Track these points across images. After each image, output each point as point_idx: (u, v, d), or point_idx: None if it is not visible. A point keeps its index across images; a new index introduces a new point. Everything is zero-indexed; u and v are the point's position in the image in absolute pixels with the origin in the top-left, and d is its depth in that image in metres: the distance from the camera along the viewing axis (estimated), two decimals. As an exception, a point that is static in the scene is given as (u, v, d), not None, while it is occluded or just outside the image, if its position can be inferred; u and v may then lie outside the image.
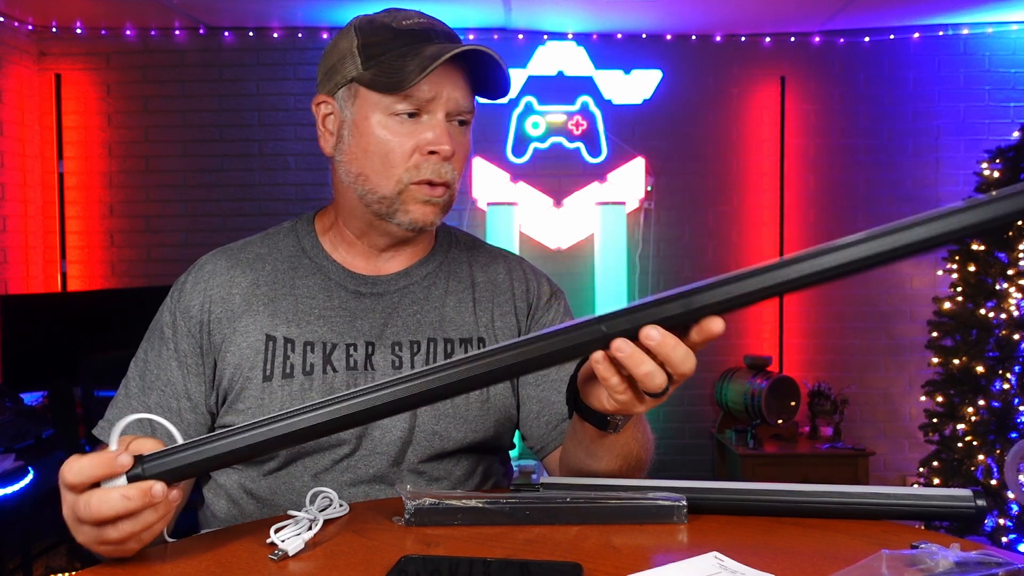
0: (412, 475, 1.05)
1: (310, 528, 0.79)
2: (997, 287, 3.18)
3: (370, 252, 1.12)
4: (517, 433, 1.19)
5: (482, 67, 1.04)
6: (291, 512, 0.81)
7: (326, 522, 0.82)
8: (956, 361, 3.25)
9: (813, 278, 0.68)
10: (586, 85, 4.04)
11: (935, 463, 3.31)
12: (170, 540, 0.81)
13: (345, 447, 1.03)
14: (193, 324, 1.07)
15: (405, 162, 1.02)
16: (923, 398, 3.49)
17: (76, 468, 0.72)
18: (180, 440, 0.75)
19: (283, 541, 0.74)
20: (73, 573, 3.05)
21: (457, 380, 0.72)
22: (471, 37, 4.05)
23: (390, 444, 1.04)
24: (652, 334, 0.71)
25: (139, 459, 0.72)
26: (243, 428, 0.73)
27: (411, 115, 1.03)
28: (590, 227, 4.07)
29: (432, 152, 1.02)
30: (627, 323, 0.72)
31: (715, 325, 0.71)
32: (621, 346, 0.71)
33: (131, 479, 0.71)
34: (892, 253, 0.67)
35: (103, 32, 3.99)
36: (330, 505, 0.86)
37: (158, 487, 0.71)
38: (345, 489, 1.02)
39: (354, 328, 1.07)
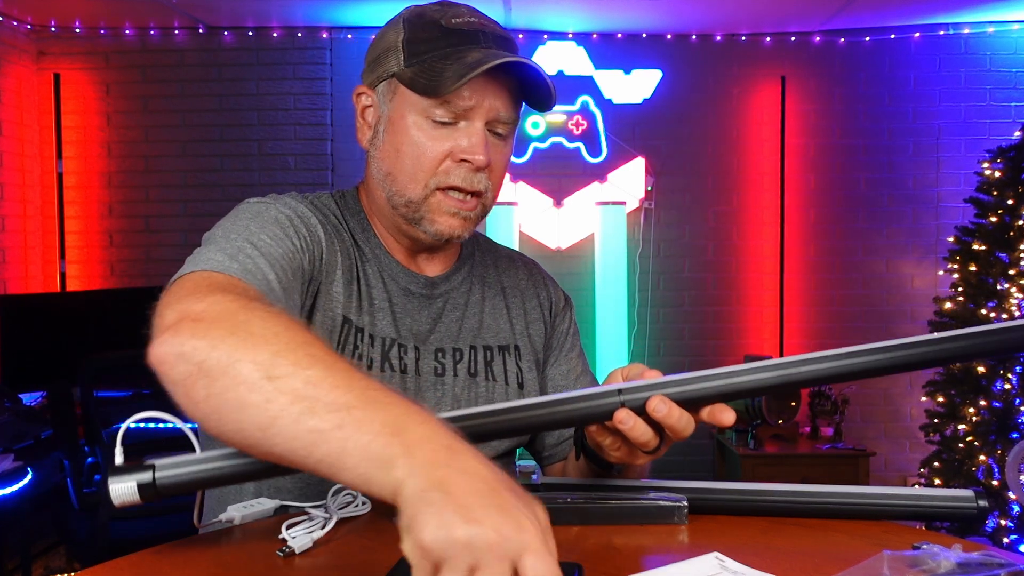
0: None
1: (323, 527, 0.79)
2: (998, 287, 3.18)
3: (404, 250, 1.10)
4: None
5: (528, 77, 1.00)
6: (308, 509, 0.82)
7: (341, 520, 0.82)
8: (957, 361, 3.24)
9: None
10: (586, 85, 4.03)
11: (936, 463, 3.31)
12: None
13: None
14: (316, 245, 0.99)
15: (435, 167, 0.99)
16: (924, 398, 3.49)
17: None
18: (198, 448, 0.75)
19: (292, 538, 0.75)
20: (73, 573, 3.05)
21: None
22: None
23: None
24: (659, 407, 0.75)
25: (151, 467, 0.67)
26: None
27: (447, 122, 0.99)
28: (590, 227, 4.07)
29: (465, 160, 0.98)
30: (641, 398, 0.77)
31: (726, 417, 0.77)
32: (624, 419, 0.76)
33: (141, 488, 0.67)
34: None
35: (102, 31, 3.99)
36: (351, 503, 0.86)
37: None
38: None
39: (404, 327, 1.06)
